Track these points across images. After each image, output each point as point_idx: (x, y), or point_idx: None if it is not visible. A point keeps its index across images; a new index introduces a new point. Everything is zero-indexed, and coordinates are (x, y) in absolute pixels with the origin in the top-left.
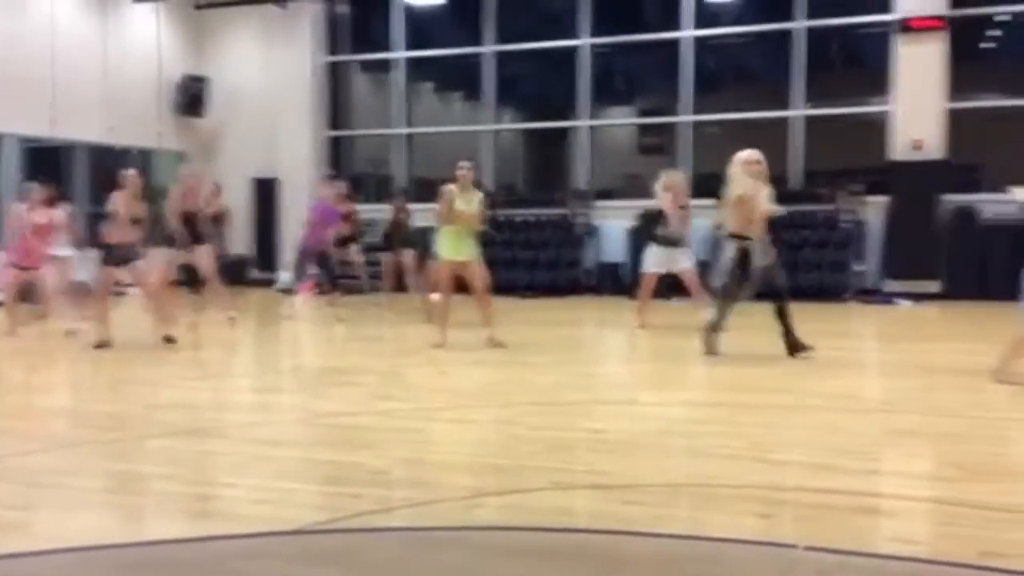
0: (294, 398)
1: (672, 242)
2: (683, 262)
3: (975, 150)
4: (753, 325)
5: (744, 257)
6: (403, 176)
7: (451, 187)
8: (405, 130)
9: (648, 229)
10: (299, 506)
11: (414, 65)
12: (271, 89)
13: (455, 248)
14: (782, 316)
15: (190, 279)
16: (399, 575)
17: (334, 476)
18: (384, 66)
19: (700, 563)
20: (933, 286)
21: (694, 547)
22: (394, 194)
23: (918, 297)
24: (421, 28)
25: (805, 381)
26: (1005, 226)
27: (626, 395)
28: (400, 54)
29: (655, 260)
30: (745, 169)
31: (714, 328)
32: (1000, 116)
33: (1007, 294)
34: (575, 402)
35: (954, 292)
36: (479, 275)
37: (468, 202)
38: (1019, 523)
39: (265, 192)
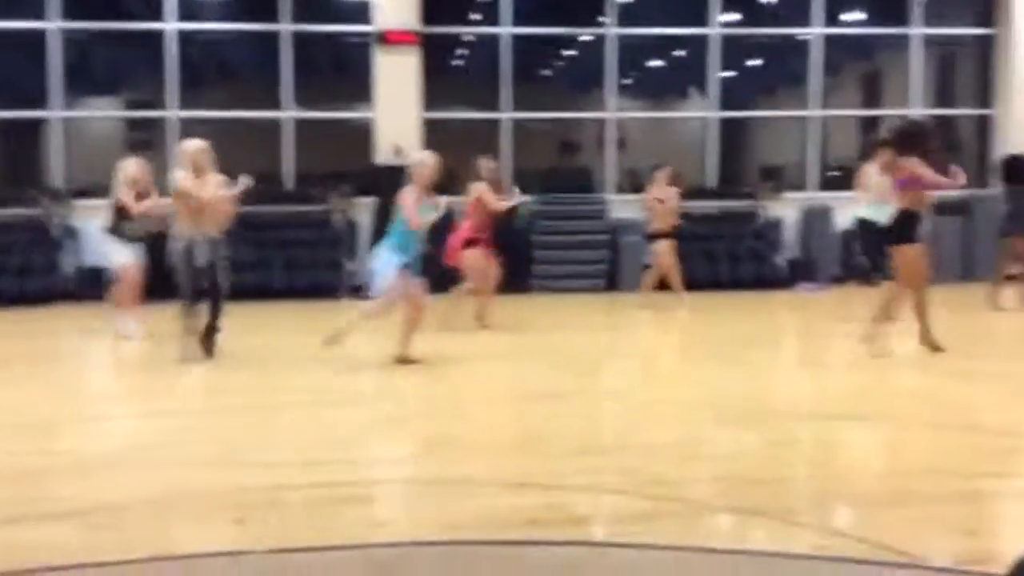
0: None
1: (137, 237)
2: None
3: (449, 157)
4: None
5: (189, 254)
6: None
7: None
8: None
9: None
10: None
11: None
12: None
13: None
14: (213, 315)
15: None
16: None
17: None
18: None
19: None
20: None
21: (160, 569)
22: None
23: None
24: None
25: (282, 379)
26: None
27: (97, 410)
28: None
29: (128, 253)
30: (194, 161)
31: (190, 331)
32: (466, 127)
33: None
34: (38, 423)
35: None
36: None
37: None
38: (472, 494)
39: None
